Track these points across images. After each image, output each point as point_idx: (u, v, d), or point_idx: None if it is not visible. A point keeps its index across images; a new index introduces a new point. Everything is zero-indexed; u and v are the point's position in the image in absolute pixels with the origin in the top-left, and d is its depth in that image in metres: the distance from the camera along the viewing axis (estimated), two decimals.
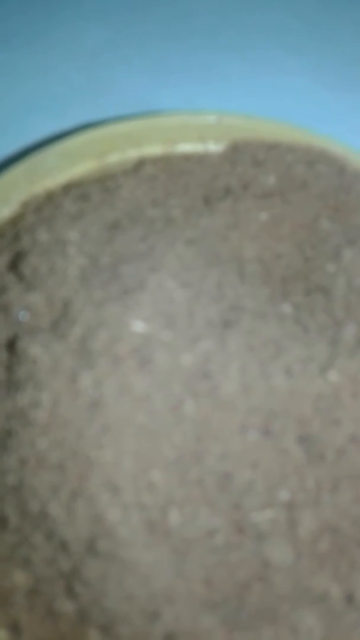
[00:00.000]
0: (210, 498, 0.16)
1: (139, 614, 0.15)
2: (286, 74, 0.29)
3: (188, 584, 0.15)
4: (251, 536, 0.16)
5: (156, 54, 0.29)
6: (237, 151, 0.22)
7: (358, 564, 0.16)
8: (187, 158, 0.22)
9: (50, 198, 0.20)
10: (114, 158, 0.22)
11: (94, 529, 0.15)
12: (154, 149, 0.22)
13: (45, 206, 0.20)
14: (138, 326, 0.17)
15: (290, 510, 0.16)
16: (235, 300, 0.18)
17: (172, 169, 0.21)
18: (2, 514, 0.16)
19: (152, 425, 0.16)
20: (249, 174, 0.21)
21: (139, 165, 0.21)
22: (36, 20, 0.29)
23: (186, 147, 0.22)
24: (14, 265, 0.19)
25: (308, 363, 0.18)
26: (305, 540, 0.16)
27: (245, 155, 0.22)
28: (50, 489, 0.15)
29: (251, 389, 0.17)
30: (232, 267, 0.19)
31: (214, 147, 0.22)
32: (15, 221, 0.20)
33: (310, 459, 0.17)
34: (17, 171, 0.21)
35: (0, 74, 0.27)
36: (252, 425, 0.17)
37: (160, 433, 0.16)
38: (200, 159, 0.22)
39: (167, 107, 0.25)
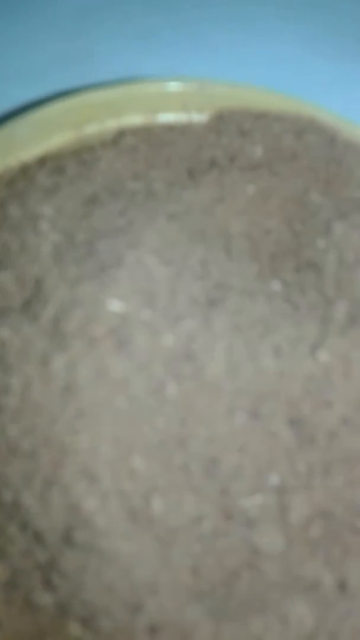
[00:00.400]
0: (196, 484, 0.15)
1: (121, 606, 0.14)
2: (278, 43, 0.28)
3: (173, 573, 0.15)
4: (240, 523, 0.15)
5: (141, 21, 0.28)
6: (222, 121, 0.21)
7: (351, 550, 0.16)
8: (170, 128, 0.21)
9: (24, 171, 0.19)
10: (92, 129, 0.21)
11: (70, 518, 0.14)
12: (134, 119, 0.21)
13: (19, 180, 0.19)
14: (115, 305, 0.16)
15: (281, 495, 0.16)
16: (221, 277, 0.18)
17: (154, 140, 0.21)
18: None
19: (131, 409, 0.15)
20: (235, 144, 0.20)
21: (119, 136, 0.21)
22: None
23: (168, 117, 0.21)
24: None
25: (298, 343, 0.17)
26: (296, 526, 0.16)
27: (231, 125, 0.21)
28: (23, 477, 0.15)
29: (238, 370, 0.16)
30: (217, 243, 0.18)
31: (198, 117, 0.21)
32: None
33: (301, 442, 0.16)
34: None
35: None
36: (240, 408, 0.16)
37: (141, 417, 0.15)
38: (183, 130, 0.21)
39: (151, 76, 0.24)
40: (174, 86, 0.21)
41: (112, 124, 0.21)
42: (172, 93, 0.21)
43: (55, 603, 0.15)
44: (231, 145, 0.20)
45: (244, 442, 0.16)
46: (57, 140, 0.20)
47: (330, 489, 0.16)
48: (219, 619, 0.15)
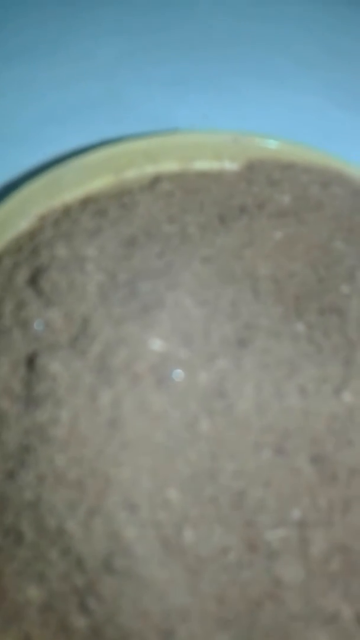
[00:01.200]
0: (224, 516, 0.16)
1: (153, 631, 0.15)
2: (303, 92, 0.29)
3: (201, 601, 0.15)
4: (263, 554, 0.16)
5: (172, 69, 0.29)
6: (252, 170, 0.22)
7: None
8: (203, 175, 0.22)
9: (68, 212, 0.21)
10: (131, 174, 0.22)
11: (111, 545, 0.15)
12: (170, 166, 0.22)
13: (63, 221, 0.20)
14: (156, 344, 0.17)
15: (302, 529, 0.16)
16: (250, 318, 0.18)
17: (188, 185, 0.22)
18: (18, 530, 0.16)
19: (168, 442, 0.16)
20: (265, 193, 0.21)
21: (155, 181, 0.22)
22: (56, 33, 0.29)
23: (202, 165, 0.22)
24: (34, 280, 0.19)
25: (322, 383, 0.18)
26: (316, 560, 0.16)
27: (261, 174, 0.22)
28: (68, 505, 0.15)
29: (265, 407, 0.17)
30: (246, 285, 0.19)
31: (230, 166, 0.22)
32: (33, 235, 0.20)
33: (323, 478, 0.17)
34: (36, 185, 0.21)
35: (20, 86, 0.28)
36: (266, 444, 0.17)
37: (176, 451, 0.16)
38: (216, 177, 0.22)
39: (184, 123, 0.25)
40: (208, 137, 0.22)
41: (149, 170, 0.22)
42: (207, 143, 0.22)
43: (90, 626, 0.15)
44: (261, 193, 0.21)
45: (269, 476, 0.16)
46: (99, 183, 0.21)
47: (349, 525, 0.16)
48: None
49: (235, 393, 0.17)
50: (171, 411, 0.16)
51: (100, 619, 0.15)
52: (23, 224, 0.21)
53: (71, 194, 0.21)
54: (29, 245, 0.20)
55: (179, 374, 0.17)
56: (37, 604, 0.15)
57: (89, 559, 0.15)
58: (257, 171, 0.22)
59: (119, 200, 0.21)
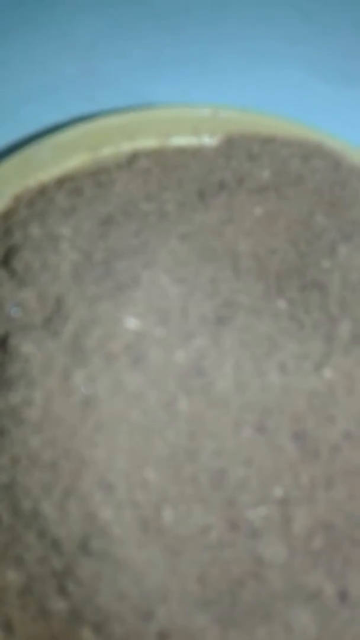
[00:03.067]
0: (204, 495, 0.16)
1: (133, 612, 0.15)
2: (283, 66, 0.29)
3: (182, 581, 0.15)
4: (245, 533, 0.16)
5: (151, 46, 0.28)
6: (232, 145, 0.22)
7: (352, 560, 0.16)
8: (182, 151, 0.22)
9: (43, 192, 0.20)
10: (108, 151, 0.21)
11: (87, 527, 0.15)
12: (147, 142, 0.22)
13: (38, 200, 0.20)
14: (131, 323, 0.17)
15: (284, 507, 0.16)
16: (230, 296, 0.18)
17: (166, 162, 0.21)
18: None
19: (145, 422, 0.16)
20: (244, 168, 0.21)
21: (133, 158, 0.21)
22: (31, 13, 0.29)
23: (180, 141, 0.22)
24: (6, 260, 0.18)
25: (303, 360, 0.17)
26: (299, 537, 0.16)
27: (240, 149, 0.22)
28: (43, 487, 0.15)
29: (245, 385, 0.17)
30: (226, 262, 0.19)
31: (209, 141, 0.22)
32: (8, 215, 0.20)
33: (305, 455, 0.17)
34: (10, 164, 0.20)
35: None
36: (246, 422, 0.17)
37: (153, 430, 0.16)
38: (194, 153, 0.22)
39: (163, 100, 0.25)
40: (186, 112, 0.22)
41: (126, 147, 0.22)
42: (185, 118, 0.22)
43: (69, 609, 0.15)
44: (240, 168, 0.21)
45: (250, 455, 0.16)
46: (75, 162, 0.21)
47: (332, 501, 0.16)
48: (225, 626, 0.15)
49: (214, 371, 0.17)
50: (148, 391, 0.16)
51: (78, 602, 0.15)
52: None
53: (47, 174, 0.21)
54: (2, 225, 0.19)
55: (155, 352, 0.16)
56: (16, 587, 0.15)
57: (65, 541, 0.15)
58: (236, 146, 0.22)
59: (95, 178, 0.20)
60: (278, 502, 0.16)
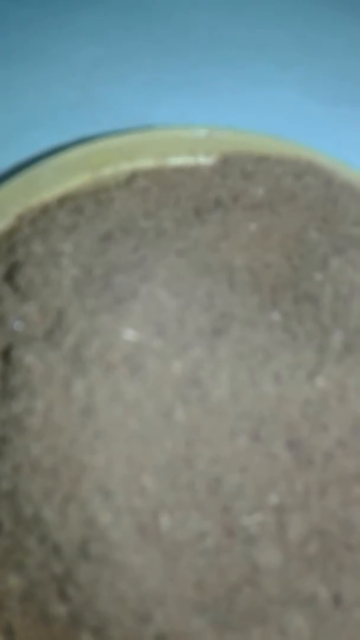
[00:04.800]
0: (200, 502, 0.16)
1: (131, 616, 0.15)
2: (278, 88, 0.30)
3: (179, 586, 0.16)
4: (241, 539, 0.16)
5: (150, 69, 0.29)
6: (227, 164, 0.23)
7: (345, 566, 0.16)
8: (179, 171, 0.22)
9: (46, 211, 0.21)
10: (108, 171, 0.22)
11: (86, 532, 0.15)
12: (146, 162, 0.23)
13: (40, 219, 0.21)
14: (129, 334, 0.17)
15: (280, 513, 0.17)
16: (225, 308, 0.19)
17: (164, 181, 0.22)
18: None
19: (143, 430, 0.16)
20: (239, 186, 0.22)
21: (132, 178, 0.22)
22: (33, 37, 0.30)
23: (177, 160, 0.23)
24: (9, 276, 0.19)
25: (296, 369, 0.18)
26: (294, 544, 0.16)
27: (235, 167, 0.22)
28: (44, 493, 0.16)
29: (241, 395, 0.17)
30: (222, 276, 0.20)
31: (205, 160, 0.23)
32: (11, 233, 0.21)
33: (299, 463, 0.17)
34: (14, 184, 0.21)
35: None
36: (242, 431, 0.17)
37: (151, 438, 0.16)
38: (191, 172, 0.22)
39: (161, 122, 0.26)
40: (182, 133, 0.23)
41: (126, 167, 0.22)
42: (181, 139, 0.23)
43: (69, 613, 0.15)
44: (235, 186, 0.22)
45: (245, 462, 0.17)
46: (76, 181, 0.22)
47: (326, 508, 0.17)
48: (221, 629, 0.15)
49: (210, 381, 0.17)
50: (145, 400, 0.17)
51: (78, 606, 0.15)
52: (1, 224, 0.21)
53: (49, 193, 0.22)
54: (6, 243, 0.20)
55: (152, 363, 0.17)
56: (17, 592, 0.16)
57: (65, 545, 0.15)
58: (231, 165, 0.22)
59: (95, 197, 0.21)
60: (273, 509, 0.17)
